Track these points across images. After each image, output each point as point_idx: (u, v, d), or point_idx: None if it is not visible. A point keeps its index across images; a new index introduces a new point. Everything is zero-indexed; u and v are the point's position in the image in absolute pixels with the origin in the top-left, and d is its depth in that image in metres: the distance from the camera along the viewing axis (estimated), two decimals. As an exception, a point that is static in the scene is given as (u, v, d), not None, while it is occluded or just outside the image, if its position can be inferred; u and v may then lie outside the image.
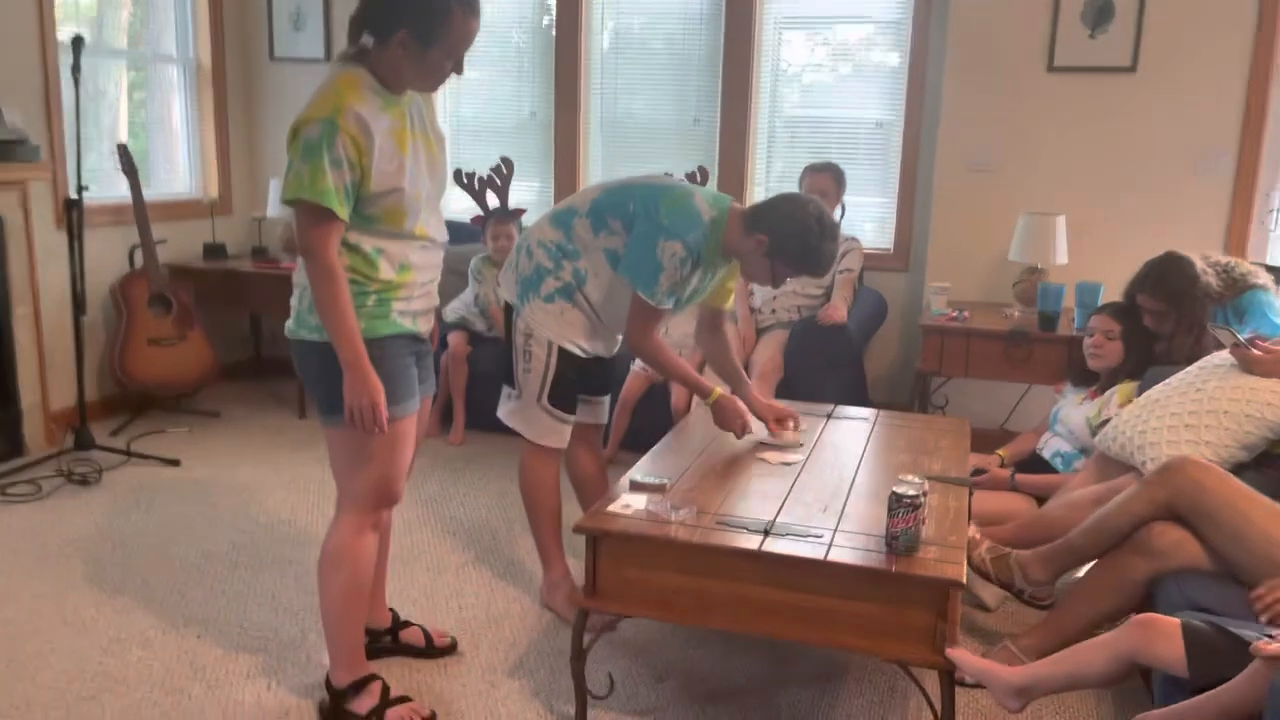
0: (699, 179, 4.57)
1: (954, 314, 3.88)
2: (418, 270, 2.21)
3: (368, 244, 2.11)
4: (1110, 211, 4.13)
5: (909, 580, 2.03)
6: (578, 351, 2.72)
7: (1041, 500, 3.20)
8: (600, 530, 2.21)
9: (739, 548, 2.12)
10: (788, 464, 2.62)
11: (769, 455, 2.67)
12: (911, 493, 2.08)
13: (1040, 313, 3.72)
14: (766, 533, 2.17)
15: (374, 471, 2.20)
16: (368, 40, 2.08)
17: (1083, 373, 3.38)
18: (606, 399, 2.98)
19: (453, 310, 4.47)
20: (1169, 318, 3.07)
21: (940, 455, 2.74)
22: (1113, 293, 3.77)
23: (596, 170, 5.08)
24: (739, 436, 2.76)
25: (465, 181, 4.77)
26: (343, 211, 2.02)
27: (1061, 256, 3.95)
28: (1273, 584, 2.03)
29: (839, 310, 3.84)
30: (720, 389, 2.76)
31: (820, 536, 2.16)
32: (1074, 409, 3.28)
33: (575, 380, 2.78)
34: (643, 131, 4.98)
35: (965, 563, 2.08)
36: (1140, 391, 3.08)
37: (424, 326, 2.29)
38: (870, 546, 2.12)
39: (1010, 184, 4.23)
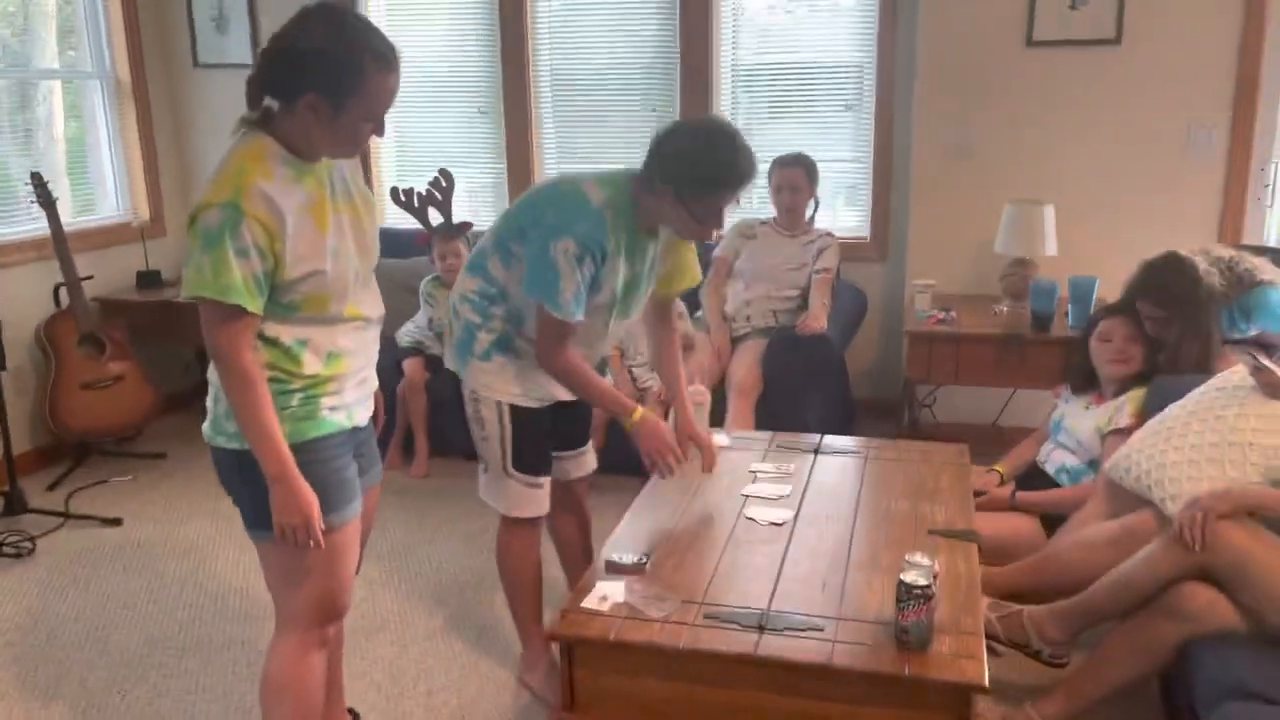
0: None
1: (940, 315, 3.65)
2: (350, 357, 1.94)
3: (288, 336, 1.84)
4: (1099, 197, 3.90)
5: (924, 684, 1.81)
6: (531, 403, 2.46)
7: (1045, 518, 3.01)
8: (575, 637, 1.97)
9: (732, 652, 1.89)
10: (776, 524, 2.39)
11: (756, 513, 2.44)
12: (922, 583, 1.85)
13: (1033, 312, 3.50)
14: (761, 628, 1.94)
15: (314, 587, 1.95)
16: (272, 104, 1.80)
17: (1084, 377, 3.17)
18: (587, 449, 2.71)
19: (406, 334, 4.19)
20: (1173, 325, 2.85)
21: (941, 499, 2.52)
22: (1108, 287, 3.57)
23: (551, 149, 4.77)
24: (664, 475, 2.43)
25: (404, 199, 4.44)
26: (254, 305, 1.76)
27: (1051, 248, 3.72)
28: None
29: (818, 319, 3.60)
30: (642, 410, 2.43)
31: (821, 629, 1.94)
32: (1081, 418, 3.07)
33: (544, 436, 2.53)
34: (596, 115, 4.68)
35: (985, 656, 1.86)
36: (1150, 402, 2.88)
37: (362, 417, 2.03)
38: (878, 639, 1.90)
39: (992, 169, 3.98)
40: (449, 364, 2.54)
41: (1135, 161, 3.85)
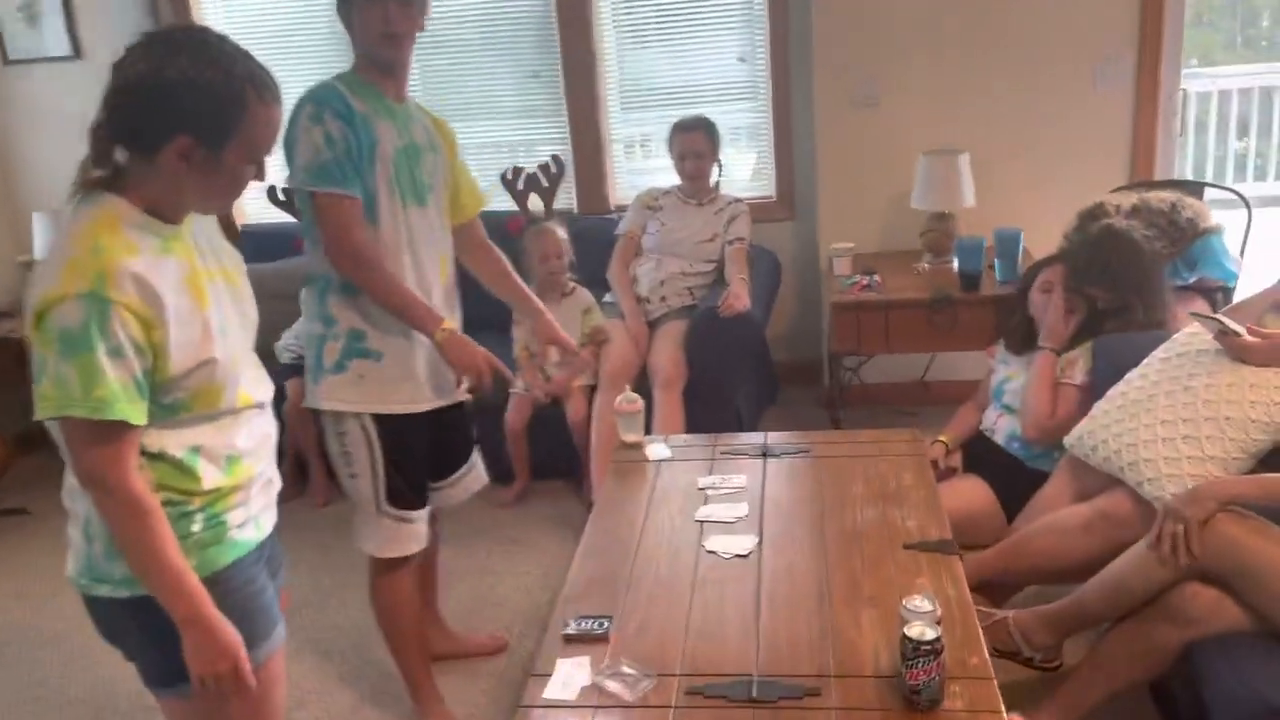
0: (554, 170, 3.98)
1: (864, 280, 3.47)
2: (251, 457, 1.63)
3: (176, 445, 1.51)
4: (1012, 143, 3.75)
5: (945, 753, 1.63)
6: (398, 408, 2.22)
7: (998, 486, 2.89)
8: (545, 745, 1.72)
9: (728, 741, 1.67)
10: (741, 555, 2.17)
11: (717, 544, 2.21)
12: (930, 636, 1.65)
13: (961, 272, 3.34)
14: (754, 701, 1.72)
15: None
16: (123, 157, 1.45)
17: (1023, 335, 3.04)
18: (473, 465, 2.50)
19: (286, 348, 3.76)
20: (1122, 294, 2.74)
21: (908, 500, 2.34)
22: (1032, 236, 3.44)
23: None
24: (478, 388, 2.20)
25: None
26: (138, 416, 1.43)
27: (969, 199, 3.56)
28: None
29: (740, 297, 3.37)
30: (449, 324, 2.20)
31: (818, 692, 1.73)
32: (1024, 379, 2.94)
33: (420, 461, 2.29)
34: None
35: (1001, 707, 1.68)
36: (1098, 362, 2.76)
37: (269, 522, 1.71)
38: (885, 699, 1.70)
39: (899, 118, 3.79)
40: (307, 401, 2.27)
41: (1045, 101, 3.70)
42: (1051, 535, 2.39)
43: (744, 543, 2.21)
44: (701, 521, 2.32)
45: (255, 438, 1.64)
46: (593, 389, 3.48)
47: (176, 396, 1.49)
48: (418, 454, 2.30)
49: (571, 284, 3.58)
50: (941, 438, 3.12)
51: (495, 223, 3.96)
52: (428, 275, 2.25)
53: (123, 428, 1.42)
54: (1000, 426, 3.00)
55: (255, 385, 1.64)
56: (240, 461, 1.60)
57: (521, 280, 2.53)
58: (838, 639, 1.87)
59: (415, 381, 2.25)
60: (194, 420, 1.53)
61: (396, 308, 2.15)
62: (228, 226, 4.39)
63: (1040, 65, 3.67)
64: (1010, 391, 2.99)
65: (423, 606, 2.63)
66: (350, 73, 2.19)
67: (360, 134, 2.10)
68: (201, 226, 1.61)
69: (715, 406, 3.41)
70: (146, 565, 1.46)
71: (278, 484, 1.74)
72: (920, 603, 1.72)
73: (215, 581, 1.54)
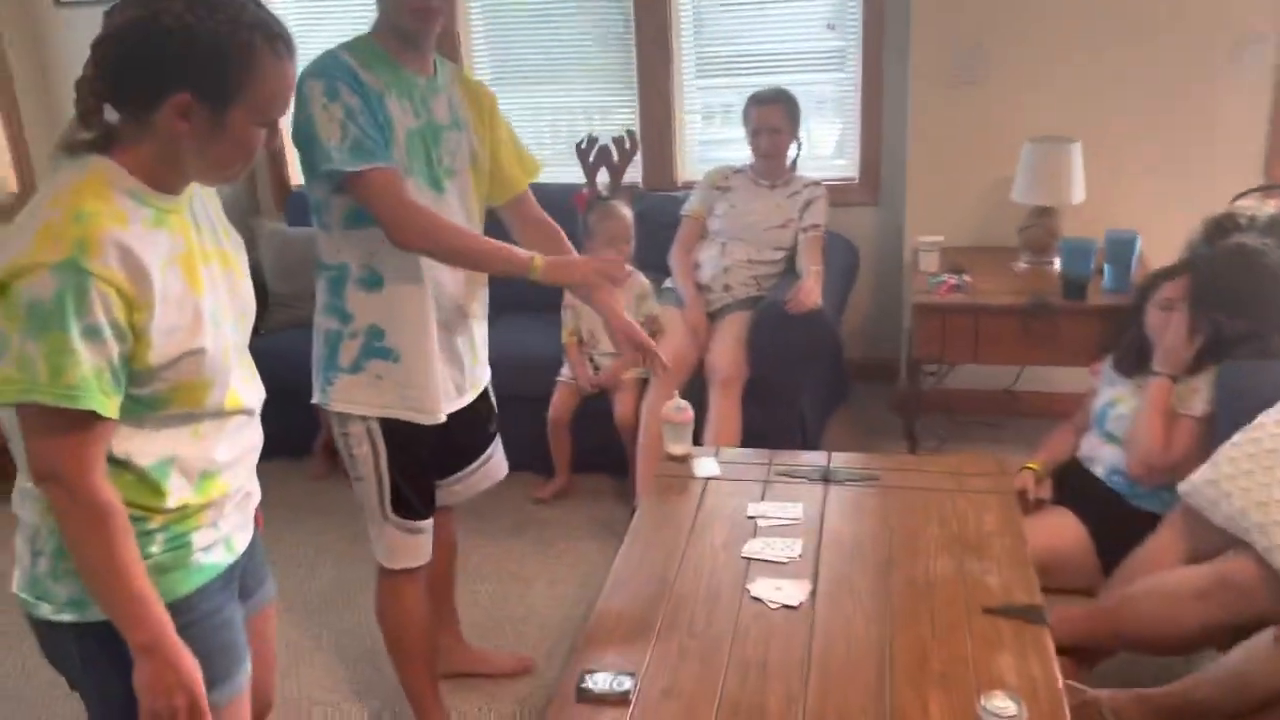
0: (628, 145, 3.67)
1: (953, 280, 3.11)
2: (229, 473, 1.45)
3: (145, 453, 1.34)
4: (1131, 132, 3.33)
5: None
6: (408, 415, 2.00)
7: (1091, 524, 2.55)
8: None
9: None
10: (791, 607, 1.88)
11: (763, 591, 1.93)
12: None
13: (1064, 276, 2.97)
14: (793, 804, 1.45)
15: None
16: (114, 117, 1.31)
17: (1136, 355, 2.67)
18: (493, 454, 2.27)
19: None
20: (1254, 325, 2.37)
21: (991, 550, 2.02)
22: (1152, 244, 3.04)
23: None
24: (617, 283, 2.00)
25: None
26: (110, 408, 1.26)
27: (1078, 194, 3.17)
28: None
29: (812, 293, 3.04)
30: (539, 258, 1.92)
31: (872, 798, 1.45)
32: (1134, 404, 2.58)
33: (427, 468, 2.08)
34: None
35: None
36: (1222, 389, 2.40)
37: (243, 541, 1.51)
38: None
39: (1003, 99, 3.39)
40: (315, 397, 2.04)
41: (1172, 85, 3.27)
42: (1158, 600, 2.05)
43: (795, 591, 1.92)
44: (748, 559, 2.04)
45: (238, 449, 1.44)
46: (644, 382, 3.20)
47: (155, 389, 1.31)
48: (426, 461, 2.08)
49: (628, 268, 3.29)
50: (1031, 464, 2.77)
51: (559, 195, 3.74)
52: (446, 270, 2.00)
53: (92, 420, 1.24)
54: (1101, 456, 2.65)
55: (246, 388, 1.45)
56: (216, 478, 1.41)
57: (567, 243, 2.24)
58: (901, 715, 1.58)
59: (435, 382, 2.01)
60: (171, 421, 1.35)
61: (481, 259, 1.93)
62: (280, 185, 4.21)
63: (1168, 44, 3.24)
64: (1116, 418, 2.63)
65: (437, 618, 2.42)
66: (364, 39, 1.93)
67: (371, 106, 1.85)
68: (203, 202, 1.43)
69: (777, 411, 3.11)
70: (105, 582, 1.28)
71: (256, 496, 1.54)
72: (1003, 704, 1.44)
73: (175, 611, 1.34)
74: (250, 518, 1.55)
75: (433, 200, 1.95)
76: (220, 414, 1.40)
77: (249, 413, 1.48)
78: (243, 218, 3.82)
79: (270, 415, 1.58)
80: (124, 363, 1.26)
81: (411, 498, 2.06)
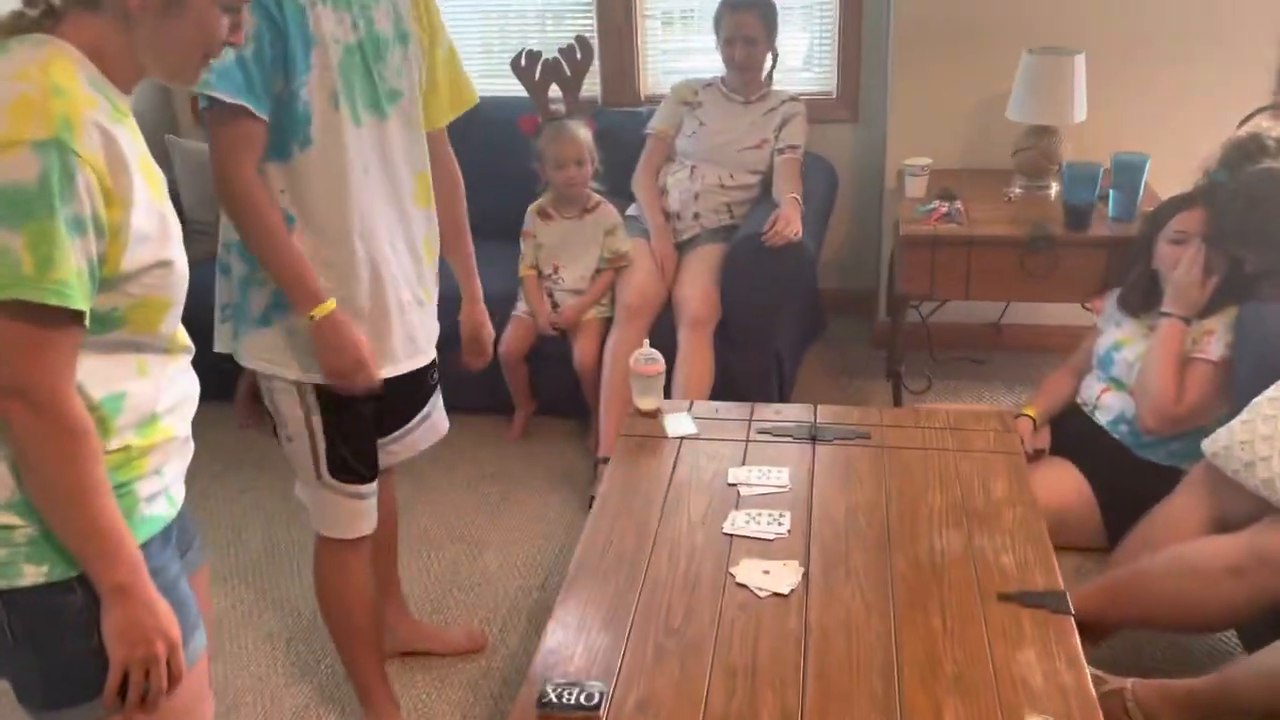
0: (579, 55, 3.27)
1: (943, 208, 2.84)
2: (174, 416, 1.28)
3: (98, 384, 1.17)
4: (1140, 43, 3.03)
5: None
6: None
7: (1097, 477, 2.36)
8: None
9: None
10: (782, 595, 1.65)
11: (749, 577, 1.69)
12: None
13: (1067, 205, 2.71)
14: None
15: None
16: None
17: (1144, 292, 2.44)
18: (432, 413, 1.99)
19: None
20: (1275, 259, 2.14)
21: (1002, 522, 1.80)
22: (1162, 168, 2.79)
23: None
24: (353, 385, 1.69)
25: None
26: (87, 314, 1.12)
27: (1080, 112, 2.89)
28: None
29: (791, 223, 2.75)
30: (329, 305, 1.64)
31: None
32: (1141, 347, 2.36)
33: (369, 424, 1.81)
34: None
35: None
36: (1242, 332, 2.19)
37: (181, 490, 1.34)
38: None
39: (1000, 4, 3.08)
40: (219, 345, 1.76)
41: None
42: (1182, 576, 1.85)
43: (785, 576, 1.69)
44: (731, 536, 1.80)
45: (179, 394, 1.29)
46: (607, 322, 2.92)
47: (116, 304, 1.16)
48: (364, 413, 1.79)
49: (595, 198, 2.98)
50: (1027, 410, 2.56)
51: (504, 119, 3.39)
52: (390, 208, 1.71)
53: (73, 326, 1.10)
54: (1105, 403, 2.44)
55: (183, 333, 1.31)
56: (159, 421, 1.25)
57: (469, 231, 1.99)
58: (914, 739, 1.36)
59: (372, 318, 1.73)
60: (119, 348, 1.19)
61: (273, 269, 1.63)
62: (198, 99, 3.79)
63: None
64: (1122, 362, 2.41)
65: (381, 592, 2.17)
66: None
67: (290, 28, 1.52)
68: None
69: (751, 352, 2.85)
70: (75, 512, 1.13)
71: (191, 448, 1.35)
72: (1040, 726, 1.21)
73: None
74: (183, 470, 1.34)
75: (375, 129, 1.66)
76: (167, 350, 1.26)
77: (189, 353, 1.32)
78: (156, 134, 3.43)
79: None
80: (98, 265, 1.11)
81: (351, 459, 1.80)
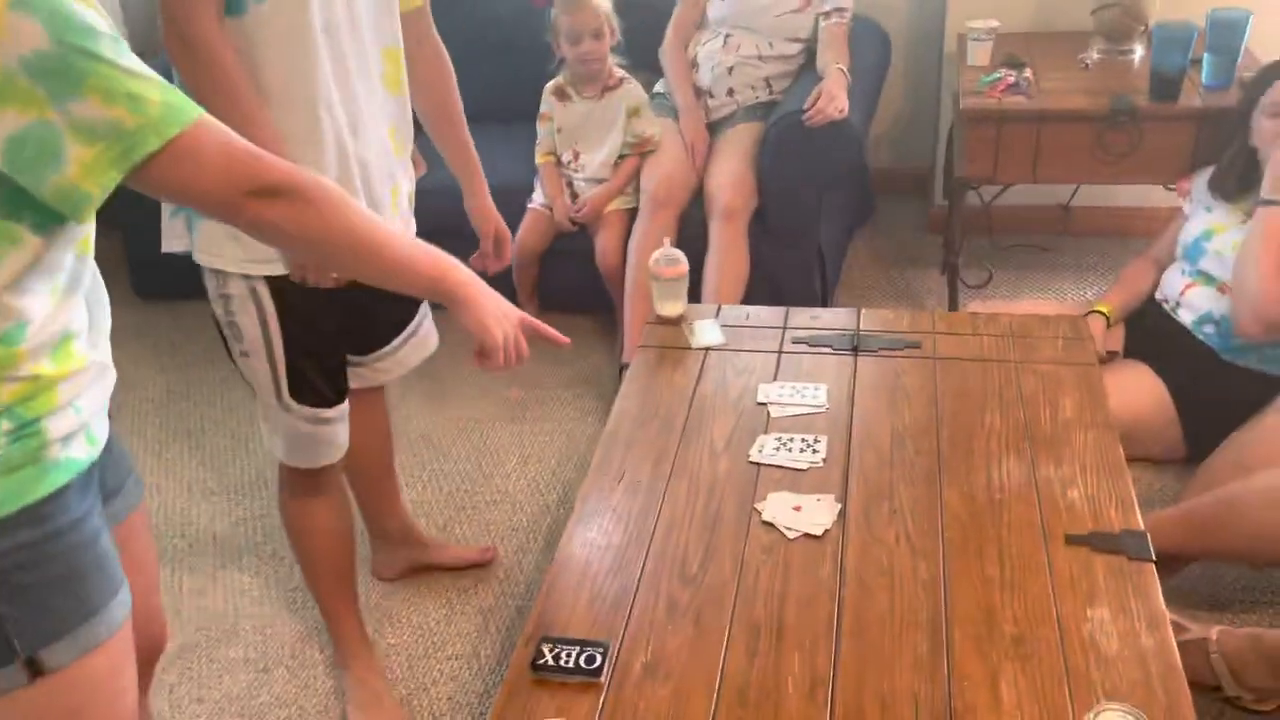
0: None
1: (1009, 78, 2.51)
2: (84, 340, 1.07)
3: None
4: None
5: None
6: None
7: (1177, 383, 2.11)
8: None
9: None
10: (814, 536, 1.45)
11: (778, 515, 1.48)
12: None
13: (1155, 72, 2.36)
14: None
15: None
16: None
17: (1240, 174, 2.14)
18: (419, 329, 1.80)
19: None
20: None
21: (1072, 448, 1.57)
22: (1267, 29, 2.42)
23: None
24: (320, 277, 1.48)
25: None
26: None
27: (1172, -36, 2.51)
28: None
29: (836, 98, 2.45)
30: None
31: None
32: (1235, 236, 2.07)
33: (335, 334, 1.62)
34: None
35: None
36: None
37: (104, 428, 1.14)
38: None
39: None
40: (169, 244, 1.55)
41: None
42: (1275, 506, 1.61)
43: (819, 513, 1.48)
44: (758, 465, 1.59)
45: (92, 305, 1.10)
46: (631, 214, 2.67)
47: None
48: (329, 327, 1.59)
49: (618, 74, 2.68)
50: (1100, 305, 2.30)
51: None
52: (360, 82, 1.47)
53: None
54: (1190, 300, 2.16)
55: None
56: (71, 343, 1.05)
57: (464, 119, 1.74)
58: (961, 709, 1.16)
59: None
60: (36, 246, 0.97)
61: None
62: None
63: None
64: (1212, 253, 2.12)
65: (382, 512, 2.02)
66: None
67: None
68: None
69: (791, 246, 2.60)
70: (385, 255, 1.14)
71: (112, 375, 1.16)
72: (1116, 714, 1.00)
73: (25, 522, 1.00)
74: (107, 398, 1.14)
75: (347, 21, 1.42)
76: (78, 258, 1.05)
77: (93, 260, 1.11)
78: None
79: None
80: None
81: (316, 379, 1.60)
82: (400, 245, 1.16)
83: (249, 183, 1.00)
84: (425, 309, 1.80)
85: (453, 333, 1.57)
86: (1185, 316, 2.16)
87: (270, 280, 1.51)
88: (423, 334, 1.80)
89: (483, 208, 1.79)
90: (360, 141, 1.51)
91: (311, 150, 1.45)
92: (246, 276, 1.51)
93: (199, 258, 1.53)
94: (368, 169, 1.53)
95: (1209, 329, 2.12)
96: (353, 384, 1.71)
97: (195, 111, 0.96)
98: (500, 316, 1.24)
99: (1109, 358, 2.23)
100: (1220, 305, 2.09)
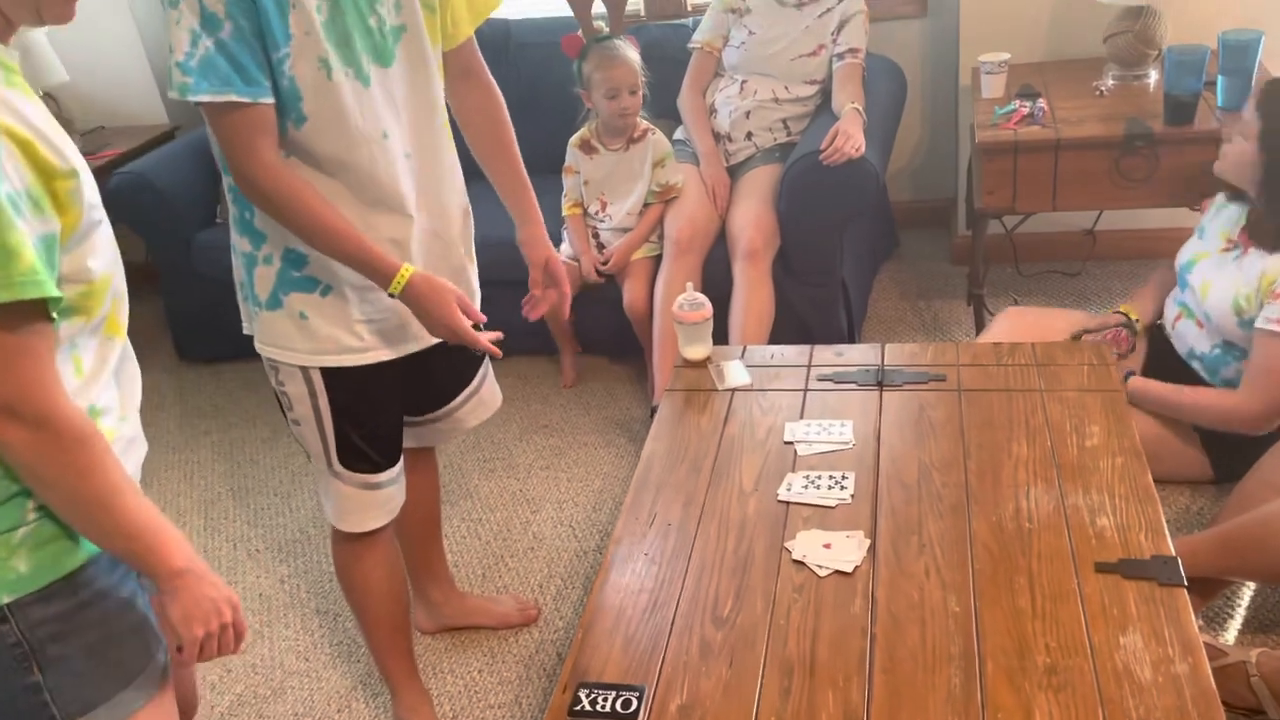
0: None
1: (1024, 108, 2.53)
2: (112, 415, 1.14)
3: None
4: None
5: None
6: (354, 358, 1.57)
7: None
8: None
9: None
10: (844, 573, 1.46)
11: (808, 552, 1.50)
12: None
13: (1169, 96, 2.37)
14: None
15: None
16: None
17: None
18: (481, 389, 1.84)
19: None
20: None
21: (1099, 474, 1.57)
22: (1275, 44, 2.43)
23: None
24: (457, 340, 1.52)
25: None
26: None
27: (1182, -13, 2.53)
28: None
29: (852, 137, 2.48)
30: (408, 269, 1.47)
31: None
32: (1218, 269, 2.05)
33: (390, 409, 1.67)
34: None
35: None
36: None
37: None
38: None
39: None
40: (246, 326, 1.63)
41: None
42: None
43: (849, 549, 1.50)
44: (787, 504, 1.61)
45: (121, 384, 1.16)
46: (657, 260, 2.71)
47: (64, 293, 1.02)
48: (385, 403, 1.64)
49: (643, 125, 2.73)
50: (1124, 308, 2.29)
51: (539, 41, 3.16)
52: (397, 163, 1.50)
53: (45, 321, 0.98)
54: (1180, 331, 2.17)
55: (121, 307, 1.16)
56: (99, 420, 1.10)
57: (518, 155, 1.73)
58: (999, 758, 1.17)
59: (383, 316, 1.56)
60: (61, 344, 1.04)
61: (332, 253, 1.46)
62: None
63: None
64: (1192, 287, 2.09)
65: (424, 570, 2.05)
66: None
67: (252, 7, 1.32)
68: None
69: (815, 283, 2.63)
70: (107, 521, 1.04)
71: (143, 447, 1.22)
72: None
73: (62, 593, 1.06)
74: (137, 470, 1.19)
75: (380, 79, 1.46)
76: (111, 338, 1.13)
77: (124, 339, 1.17)
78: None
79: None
80: (57, 246, 1.00)
81: (365, 447, 1.64)
82: (142, 510, 1.07)
83: (5, 395, 0.97)
84: (487, 367, 1.84)
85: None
86: (1178, 345, 2.16)
87: (324, 369, 1.56)
88: (485, 393, 1.84)
89: (536, 236, 1.74)
90: (444, 221, 1.60)
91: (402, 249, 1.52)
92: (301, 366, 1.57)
93: (258, 347, 1.59)
94: (427, 245, 1.58)
95: (1195, 364, 2.11)
96: (408, 443, 1.75)
97: (25, 293, 0.93)
98: (209, 613, 1.12)
99: (1126, 378, 2.22)
100: (1202, 342, 2.07)
